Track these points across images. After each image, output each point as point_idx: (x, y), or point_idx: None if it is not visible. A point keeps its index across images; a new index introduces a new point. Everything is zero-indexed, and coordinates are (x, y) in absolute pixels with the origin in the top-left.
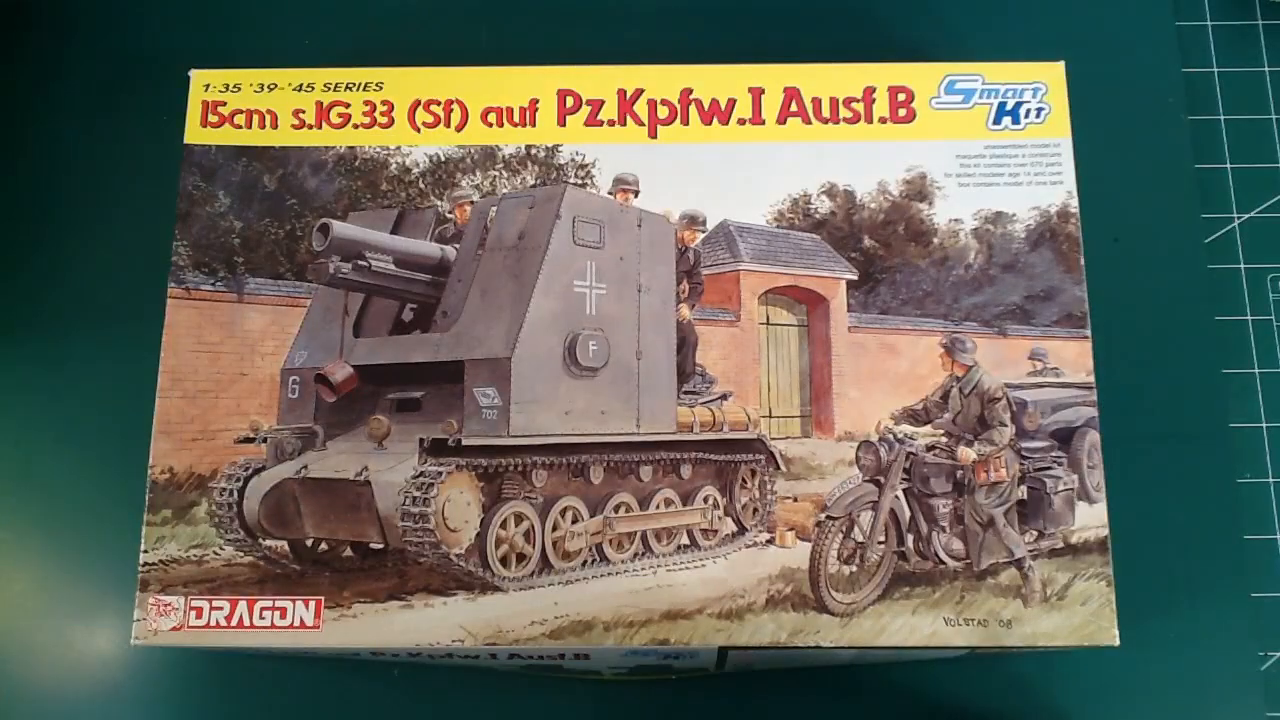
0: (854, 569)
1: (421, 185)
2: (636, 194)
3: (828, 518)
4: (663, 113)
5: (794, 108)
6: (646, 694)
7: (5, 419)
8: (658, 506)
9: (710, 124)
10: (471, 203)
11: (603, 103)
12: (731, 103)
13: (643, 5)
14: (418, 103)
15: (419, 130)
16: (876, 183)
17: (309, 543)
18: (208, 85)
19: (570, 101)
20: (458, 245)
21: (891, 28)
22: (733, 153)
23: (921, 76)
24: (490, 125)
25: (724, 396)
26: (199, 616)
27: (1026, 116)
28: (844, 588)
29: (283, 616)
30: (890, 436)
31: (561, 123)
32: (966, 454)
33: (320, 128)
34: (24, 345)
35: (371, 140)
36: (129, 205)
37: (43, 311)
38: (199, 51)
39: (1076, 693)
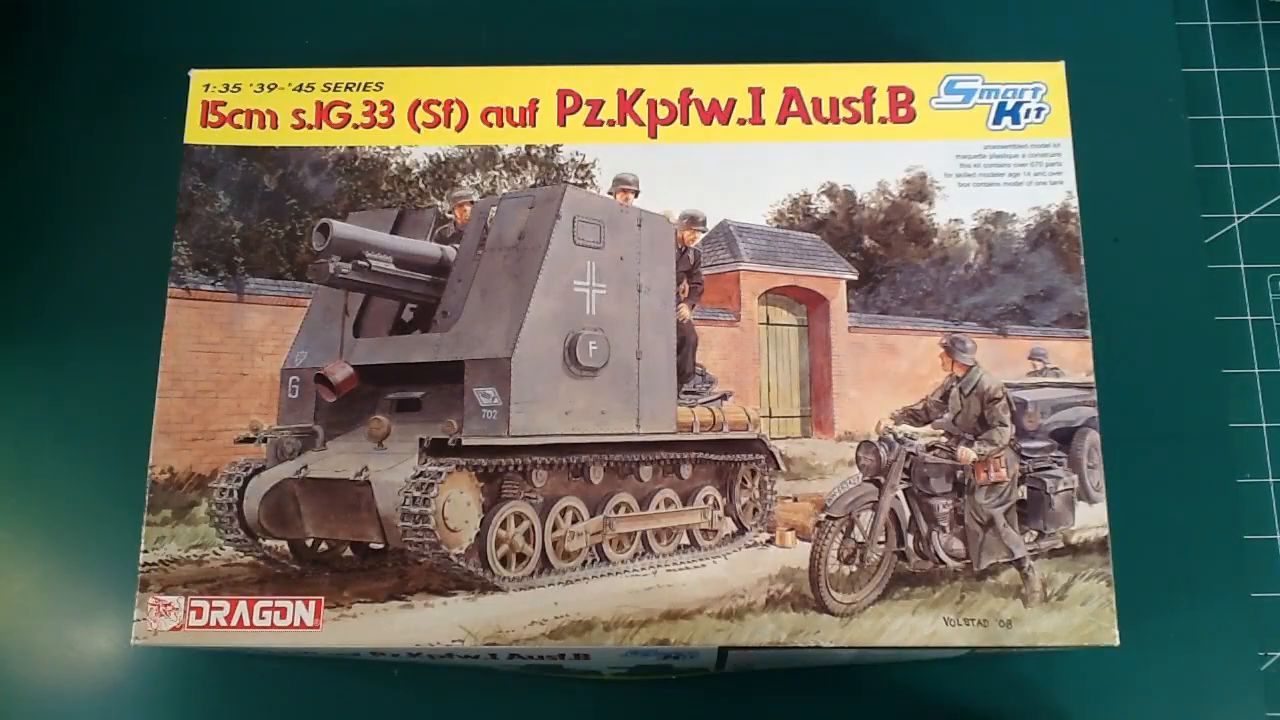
0: (854, 569)
1: (421, 185)
2: (636, 194)
3: (828, 518)
4: (663, 113)
5: (794, 108)
6: (646, 694)
7: (5, 419)
8: (658, 506)
9: (710, 124)
10: (471, 203)
11: (603, 103)
12: (731, 103)
13: (643, 5)
14: (418, 103)
15: (419, 130)
16: (876, 183)
17: (309, 543)
18: (208, 85)
19: (570, 101)
20: (458, 245)
21: (891, 28)
22: (733, 153)
23: (921, 76)
24: (490, 125)
25: (724, 396)
26: (199, 616)
27: (1026, 116)
28: (844, 588)
29: (283, 616)
30: (890, 436)
31: (561, 123)
32: (966, 454)
33: (320, 128)
34: (24, 345)
35: (371, 140)
36: (129, 205)
37: (43, 311)
38: (199, 51)
39: (1076, 693)
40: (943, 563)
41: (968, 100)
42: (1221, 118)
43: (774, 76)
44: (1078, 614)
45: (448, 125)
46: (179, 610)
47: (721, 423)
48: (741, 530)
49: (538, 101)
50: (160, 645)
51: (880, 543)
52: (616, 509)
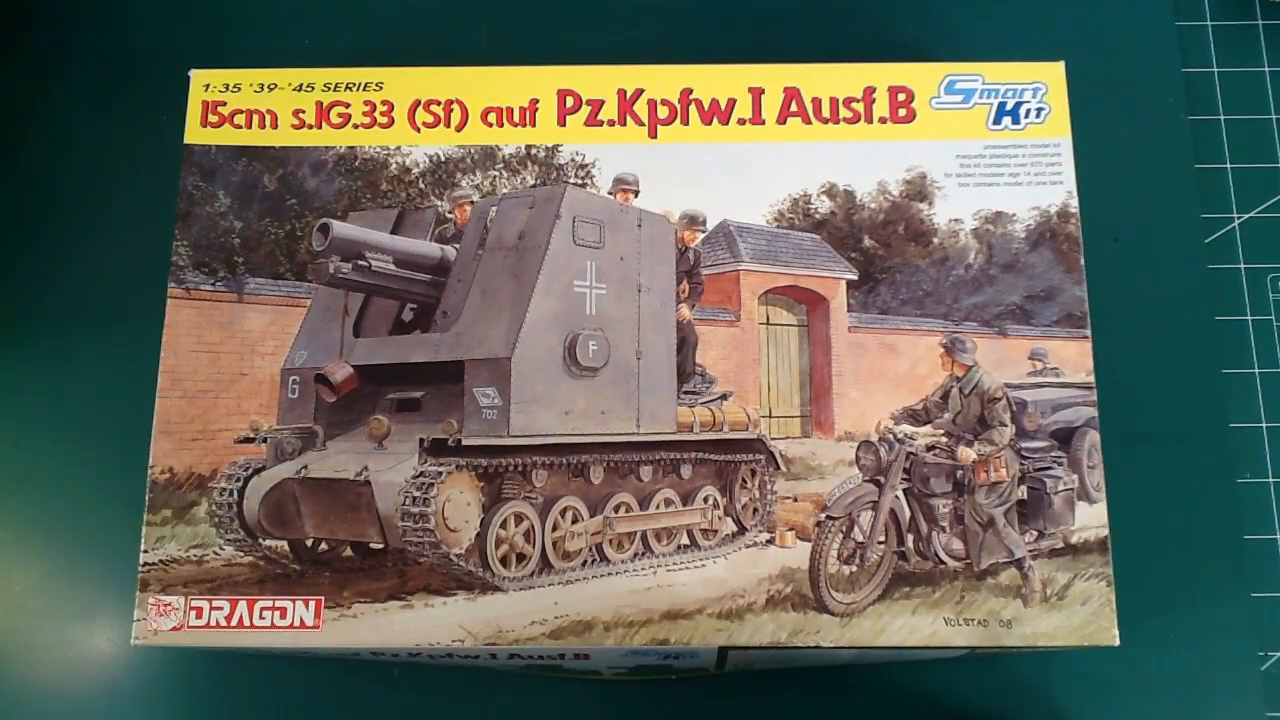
0: (854, 569)
1: (421, 185)
2: (636, 194)
3: (828, 518)
4: (663, 113)
5: (794, 108)
6: (646, 694)
7: (5, 419)
8: (658, 506)
9: (710, 124)
10: (471, 203)
11: (603, 103)
12: (731, 103)
13: (643, 5)
14: (418, 103)
15: (419, 130)
16: (876, 183)
17: (309, 543)
18: (208, 85)
19: (570, 101)
20: (458, 245)
21: (891, 28)
22: (733, 153)
23: (921, 76)
24: (490, 125)
25: (724, 396)
26: (199, 616)
27: (1026, 116)
28: (844, 588)
29: (283, 616)
30: (890, 436)
31: (561, 123)
32: (966, 454)
33: (320, 128)
34: (24, 345)
35: (371, 140)
36: (129, 205)
37: (43, 311)
38: (199, 51)
39: (1076, 693)
40: (943, 563)
41: (968, 100)
42: (1221, 118)
43: (774, 76)
44: (1078, 614)
45: (448, 125)
46: (179, 610)
47: (721, 423)
48: (741, 530)
49: (538, 101)
50: (160, 645)
51: (880, 543)
52: (616, 509)
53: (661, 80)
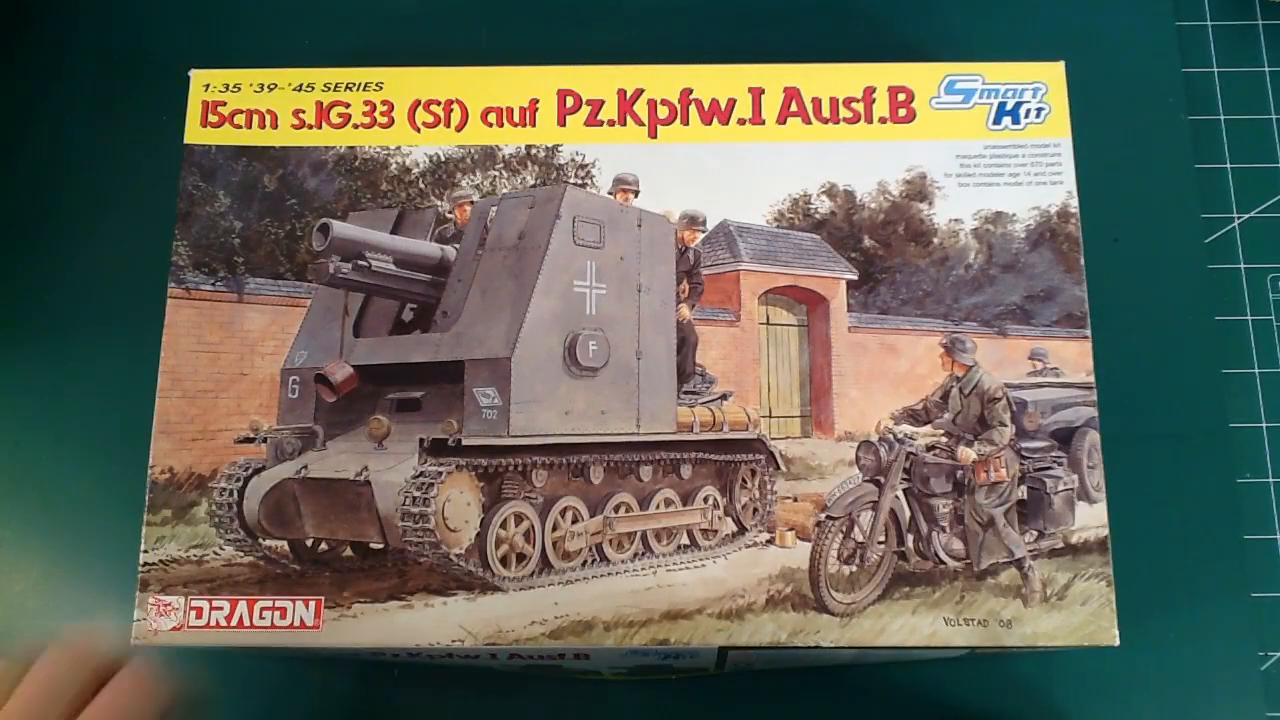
0: (854, 569)
1: (421, 185)
2: (636, 194)
3: (828, 518)
4: (663, 113)
5: (794, 108)
6: (647, 694)
7: (5, 419)
8: (658, 506)
9: (710, 124)
10: (471, 203)
11: (603, 103)
12: (731, 103)
13: (643, 5)
14: (418, 103)
15: (419, 130)
16: (876, 183)
17: (309, 543)
18: (208, 85)
19: (570, 101)
20: (458, 245)
21: (891, 28)
22: (733, 153)
23: (921, 76)
24: (490, 125)
25: (724, 396)
26: (199, 616)
27: (1026, 116)
28: (844, 588)
29: (283, 616)
30: (890, 436)
31: (561, 123)
32: (966, 454)
33: (320, 128)
34: (24, 345)
35: (371, 140)
36: (129, 205)
37: (43, 311)
38: (199, 51)
39: (1076, 693)
40: (943, 563)
41: (968, 100)
42: (1221, 118)
43: (774, 76)
44: (1078, 614)
45: (448, 125)
46: (179, 610)
47: (721, 423)
48: (741, 530)
49: (538, 101)
50: (161, 645)
51: (880, 543)
52: (616, 509)
53: (661, 80)
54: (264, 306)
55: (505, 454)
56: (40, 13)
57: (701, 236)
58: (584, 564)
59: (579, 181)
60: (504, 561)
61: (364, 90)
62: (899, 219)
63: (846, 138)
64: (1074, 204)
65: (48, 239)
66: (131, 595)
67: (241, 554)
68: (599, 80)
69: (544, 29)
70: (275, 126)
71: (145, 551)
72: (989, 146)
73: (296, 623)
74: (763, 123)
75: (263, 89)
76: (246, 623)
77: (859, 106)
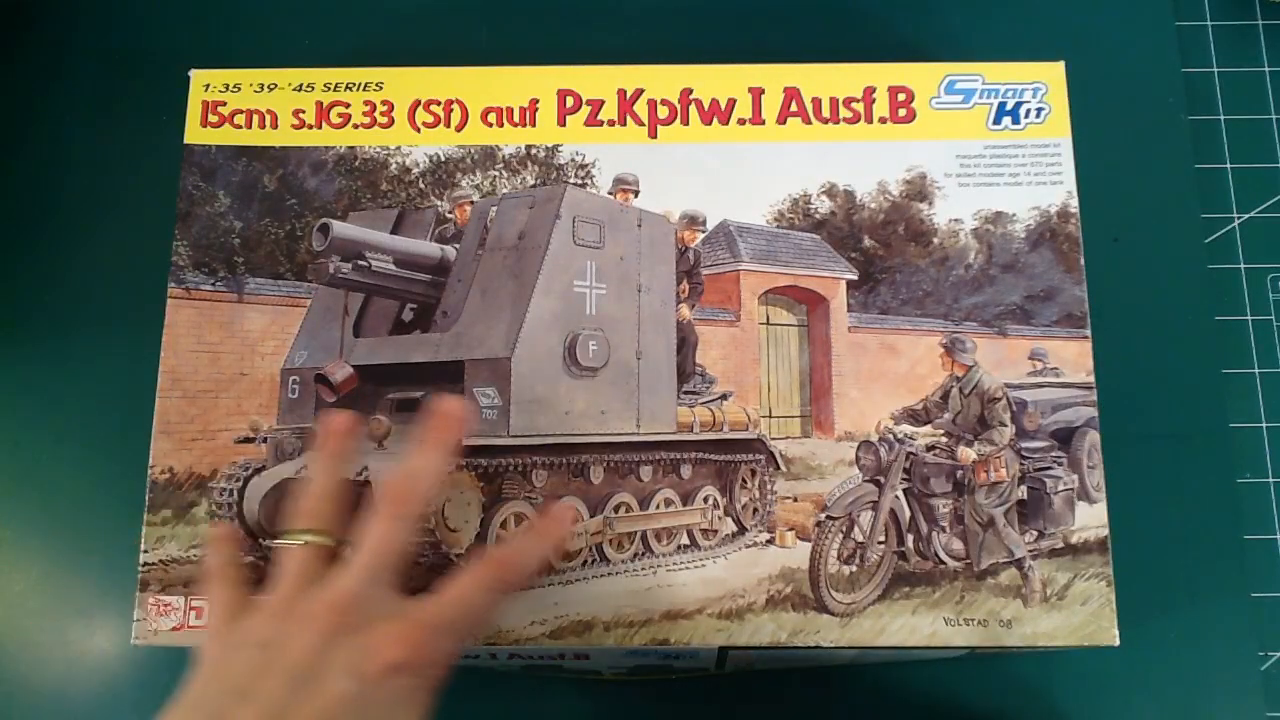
0: (854, 569)
1: (421, 185)
2: (636, 194)
3: (828, 518)
4: (663, 113)
5: (794, 108)
6: (647, 694)
7: (5, 419)
8: (658, 506)
9: (710, 124)
10: (471, 203)
11: (603, 103)
12: (731, 103)
13: (643, 5)
14: (418, 103)
15: (419, 130)
16: (876, 183)
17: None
18: (208, 85)
19: (570, 101)
20: (458, 245)
21: (891, 28)
22: (733, 153)
23: (921, 76)
24: (490, 125)
25: (724, 396)
26: (199, 616)
27: (1027, 116)
28: (844, 588)
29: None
30: (890, 436)
31: (561, 123)
32: (966, 454)
33: (320, 128)
34: (24, 345)
35: (371, 140)
36: (129, 205)
37: (43, 311)
38: (199, 51)
39: (1076, 693)
40: (943, 563)
41: (968, 100)
42: (1221, 118)
43: (774, 76)
44: (1078, 614)
45: (448, 125)
46: (179, 610)
47: (721, 423)
48: (741, 530)
49: (538, 101)
50: (161, 645)
51: (880, 543)
52: (617, 509)
53: (661, 80)
54: (264, 306)
55: (505, 454)
56: (40, 13)
57: (701, 236)
58: (584, 564)
59: (579, 181)
60: None
61: (364, 90)
62: (899, 219)
63: (846, 138)
64: (1074, 204)
65: (48, 239)
66: (131, 595)
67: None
68: (599, 80)
69: (544, 29)
70: (275, 126)
71: (145, 551)
72: (989, 146)
73: None
74: (763, 123)
75: (263, 89)
76: None
77: (859, 106)
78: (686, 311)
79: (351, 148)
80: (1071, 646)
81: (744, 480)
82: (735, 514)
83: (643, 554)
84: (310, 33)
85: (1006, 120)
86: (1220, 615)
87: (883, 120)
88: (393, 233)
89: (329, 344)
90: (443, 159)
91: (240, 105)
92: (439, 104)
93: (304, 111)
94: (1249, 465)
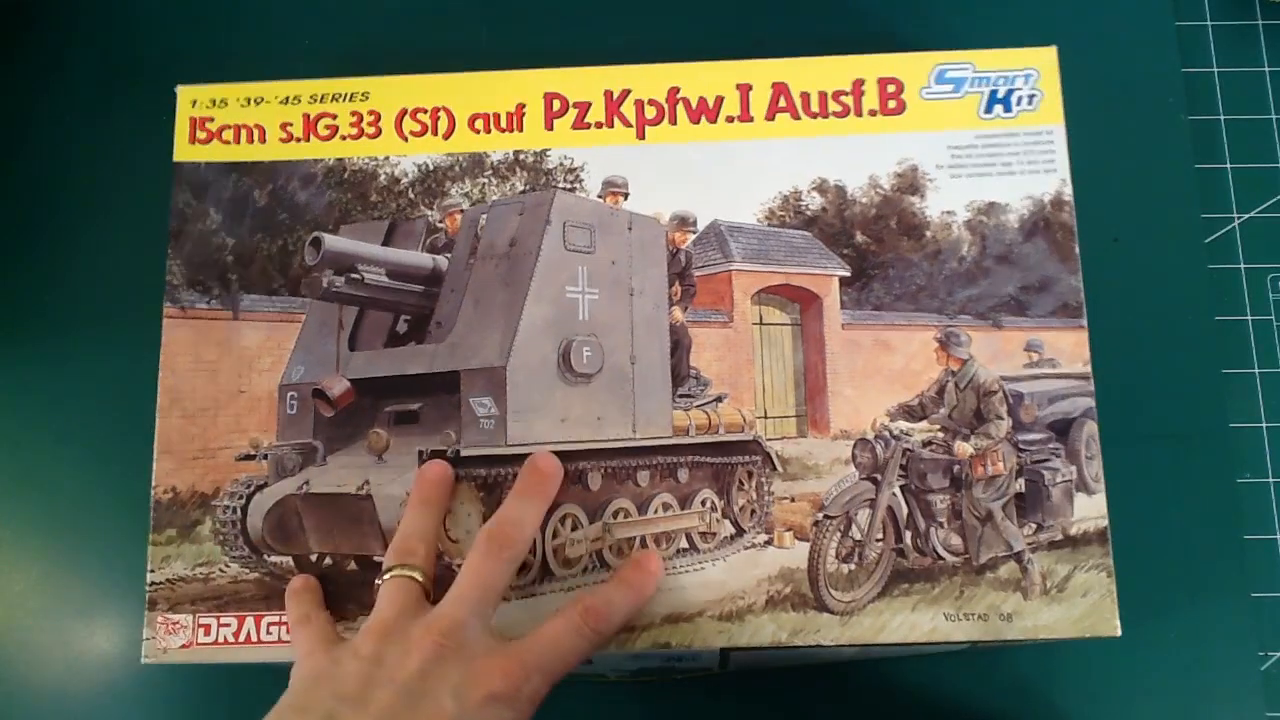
0: (853, 567)
1: (411, 195)
2: (626, 196)
3: (825, 517)
4: (650, 113)
5: (782, 103)
6: (652, 695)
7: (7, 437)
8: (656, 511)
9: (698, 123)
10: (461, 211)
11: (589, 105)
12: (719, 100)
13: (628, 4)
14: (404, 111)
15: (406, 139)
16: (867, 177)
17: (313, 557)
18: (195, 101)
19: (557, 105)
20: (449, 255)
21: (878, 18)
22: (722, 151)
23: (911, 67)
24: (477, 132)
25: (719, 398)
26: (207, 633)
27: (1019, 104)
28: (843, 586)
29: (289, 631)
30: (886, 433)
31: (549, 127)
32: (963, 448)
33: (308, 140)
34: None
35: (360, 151)
36: (125, 222)
37: (40, 331)
38: (193, 65)
39: (1075, 693)
40: (941, 558)
41: (958, 89)
42: (1221, 118)
43: (761, 72)
44: (1078, 605)
45: (435, 133)
46: (187, 628)
47: (717, 425)
48: (739, 532)
49: (524, 106)
50: (170, 663)
51: (878, 540)
52: (615, 515)
53: (648, 80)
54: (259, 323)
55: (504, 463)
56: (34, 28)
57: (692, 237)
58: (584, 570)
59: (568, 186)
60: None
61: (350, 101)
62: (891, 213)
63: (836, 132)
64: (1068, 191)
65: (41, 254)
66: (139, 614)
67: (247, 570)
68: (585, 82)
69: (530, 32)
70: (264, 141)
71: (152, 571)
72: (981, 136)
73: None
74: (751, 120)
75: (249, 103)
76: (254, 638)
77: (848, 100)
78: (679, 314)
79: (340, 159)
80: (1073, 638)
81: (741, 482)
82: (733, 516)
83: None
84: (295, 43)
85: (998, 108)
86: (1220, 615)
87: (872, 113)
88: (384, 244)
89: (325, 358)
90: (431, 168)
91: (228, 120)
92: (425, 112)
93: (291, 124)
94: (1249, 465)
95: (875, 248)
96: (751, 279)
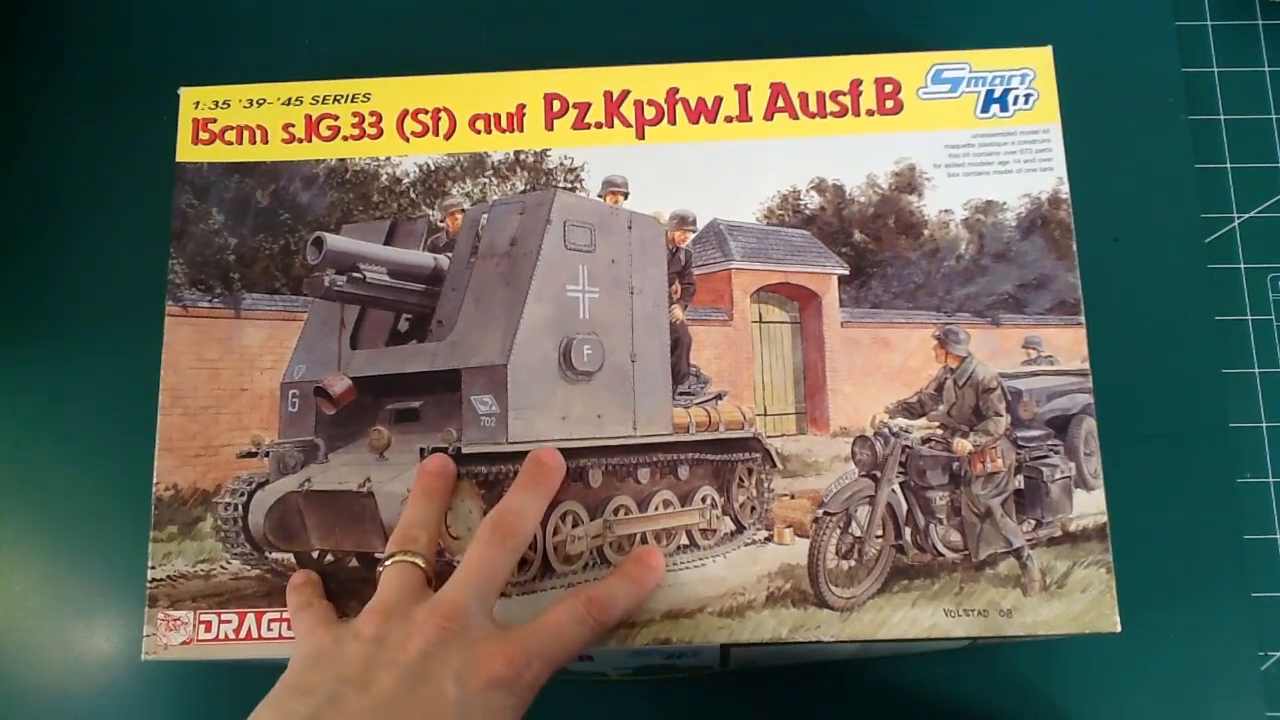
0: (852, 563)
1: (412, 195)
2: (626, 196)
3: (825, 513)
4: (649, 113)
5: (781, 103)
6: (652, 693)
7: (9, 433)
8: (656, 508)
9: (697, 123)
10: (462, 211)
11: (589, 105)
12: (718, 100)
13: (627, 5)
14: (405, 112)
15: (408, 140)
16: (865, 176)
17: (314, 554)
18: (197, 102)
19: (557, 105)
20: (450, 254)
21: (877, 18)
22: (721, 151)
23: (908, 67)
24: (478, 132)
25: (719, 396)
26: (208, 630)
27: (1015, 103)
28: (843, 582)
29: (290, 628)
30: (885, 430)
31: (549, 127)
32: (962, 445)
33: (310, 141)
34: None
35: (361, 152)
36: (128, 222)
37: (42, 330)
38: (195, 67)
39: (1074, 693)
40: (941, 555)
41: (955, 89)
42: (1221, 118)
43: (760, 72)
44: (1078, 601)
45: (436, 134)
46: (188, 625)
47: (717, 422)
48: (740, 529)
49: (525, 107)
50: (171, 660)
51: (878, 537)
52: (616, 512)
53: (647, 80)
54: (261, 321)
55: (505, 461)
56: (36, 28)
57: (692, 236)
58: (585, 567)
59: (568, 185)
60: None
61: (352, 102)
62: (889, 212)
63: (834, 132)
64: (1064, 190)
65: (45, 257)
66: (140, 610)
67: (248, 567)
68: (585, 83)
69: (528, 33)
70: (266, 141)
71: (153, 568)
72: (978, 135)
73: None
74: (750, 120)
75: (252, 104)
76: (255, 635)
77: (846, 100)
78: (679, 312)
79: (342, 160)
80: (1073, 634)
81: (741, 479)
82: (733, 513)
83: None
84: (297, 45)
85: (995, 108)
86: (1220, 615)
87: (870, 113)
88: (385, 244)
89: (327, 357)
90: (432, 168)
91: (230, 121)
92: (426, 113)
93: (293, 125)
94: (1249, 465)
95: (874, 246)
96: (751, 277)
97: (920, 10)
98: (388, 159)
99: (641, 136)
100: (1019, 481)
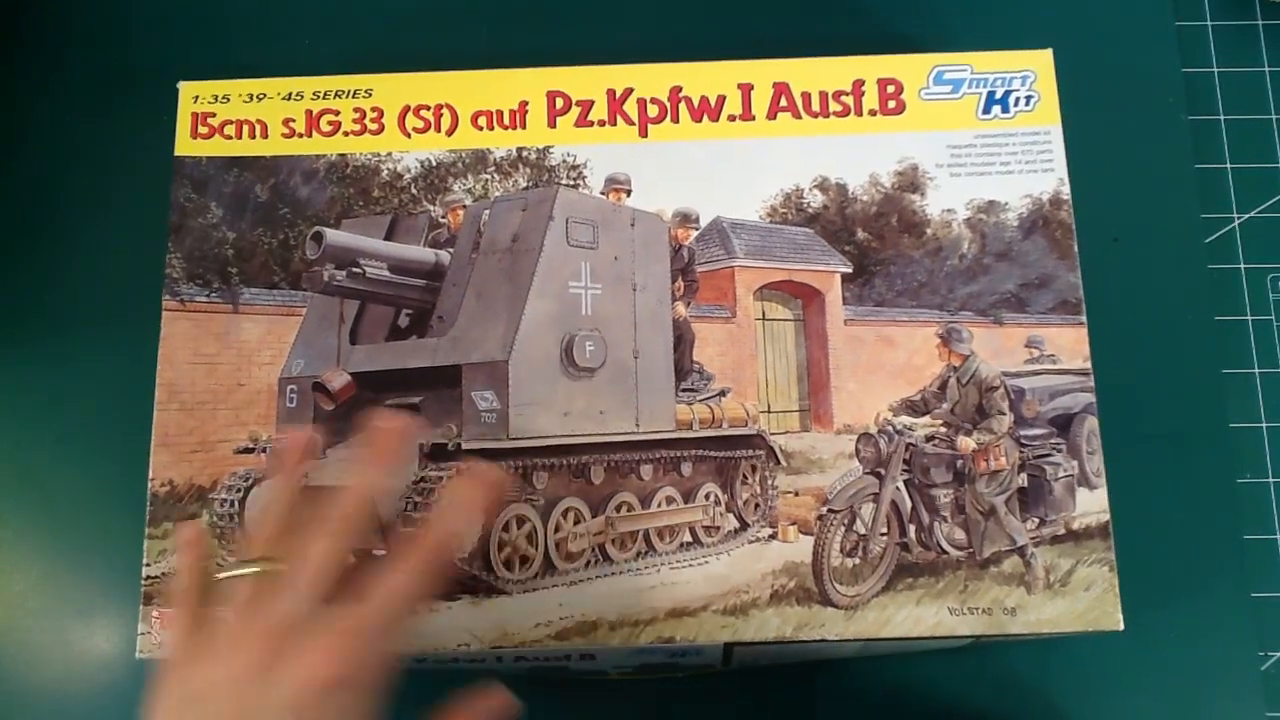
0: (857, 561)
1: (414, 190)
2: (629, 193)
3: (829, 511)
4: (653, 111)
5: (784, 103)
6: (654, 692)
7: (5, 433)
8: (659, 505)
9: (700, 121)
10: (464, 207)
11: (592, 103)
12: (721, 99)
13: (631, 5)
14: (407, 108)
15: (409, 136)
16: (868, 175)
17: None
18: (196, 97)
19: (560, 103)
20: (451, 250)
21: (879, 19)
22: (724, 149)
23: (910, 68)
24: (480, 129)
25: (722, 393)
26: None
27: (1016, 105)
28: (847, 580)
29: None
30: (889, 428)
31: (552, 124)
32: (966, 443)
33: (310, 136)
34: (23, 359)
35: (362, 147)
36: (126, 217)
37: (40, 322)
38: (194, 61)
39: (1074, 693)
40: (945, 553)
41: (957, 90)
42: (1221, 118)
43: (763, 72)
44: (1081, 599)
45: (438, 130)
46: None
47: (720, 419)
48: (743, 526)
49: (527, 104)
50: (164, 658)
51: (882, 534)
52: (618, 509)
53: (651, 79)
54: (259, 316)
55: (505, 457)
56: (35, 26)
57: (695, 234)
58: (587, 564)
59: (571, 183)
60: (507, 564)
61: (353, 97)
62: (892, 211)
63: (837, 131)
64: (1066, 190)
65: (44, 253)
66: (134, 607)
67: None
68: (588, 80)
69: (532, 31)
70: (265, 136)
71: (147, 565)
72: (979, 136)
73: None
74: (753, 118)
75: (252, 99)
76: None
77: (848, 100)
78: (682, 309)
79: (342, 155)
80: (1077, 632)
81: (745, 476)
82: (737, 510)
83: (645, 553)
84: (299, 41)
85: (996, 109)
86: (1220, 615)
87: (873, 113)
88: (386, 239)
89: (326, 352)
90: (434, 164)
91: (230, 116)
92: (429, 109)
93: (294, 120)
94: (1249, 465)
95: (876, 245)
96: (754, 275)
97: (922, 11)
98: (389, 154)
99: (644, 134)
100: (1022, 479)
